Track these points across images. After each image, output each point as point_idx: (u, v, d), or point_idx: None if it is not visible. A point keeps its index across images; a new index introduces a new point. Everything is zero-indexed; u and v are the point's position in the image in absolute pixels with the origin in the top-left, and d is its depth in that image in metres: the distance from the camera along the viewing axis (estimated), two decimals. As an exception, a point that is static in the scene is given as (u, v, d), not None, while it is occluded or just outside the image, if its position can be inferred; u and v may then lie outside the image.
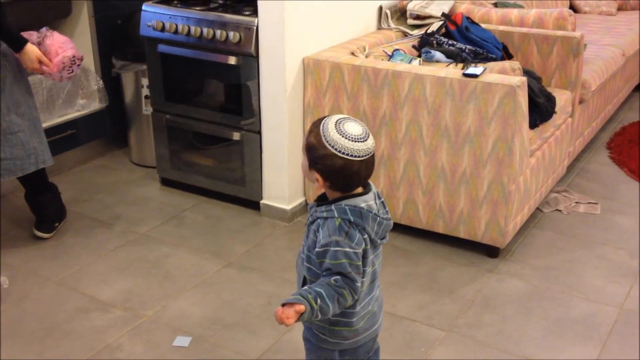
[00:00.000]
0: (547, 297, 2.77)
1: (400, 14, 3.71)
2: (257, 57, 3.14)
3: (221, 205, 3.50)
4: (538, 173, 3.15)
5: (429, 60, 3.17)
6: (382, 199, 1.73)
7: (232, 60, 3.20)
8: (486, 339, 2.53)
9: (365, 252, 1.67)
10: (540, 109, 3.12)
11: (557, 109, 3.25)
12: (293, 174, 3.30)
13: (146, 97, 3.73)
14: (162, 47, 3.40)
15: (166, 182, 3.71)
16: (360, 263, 1.66)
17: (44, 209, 3.17)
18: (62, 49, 2.89)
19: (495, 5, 4.02)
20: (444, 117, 2.89)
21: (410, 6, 3.64)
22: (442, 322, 2.62)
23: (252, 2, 3.12)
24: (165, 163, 3.64)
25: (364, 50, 3.25)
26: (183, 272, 2.94)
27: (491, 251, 3.03)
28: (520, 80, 2.78)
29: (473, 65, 3.04)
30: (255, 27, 3.10)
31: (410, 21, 3.66)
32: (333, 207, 1.65)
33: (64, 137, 3.67)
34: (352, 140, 1.61)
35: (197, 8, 3.28)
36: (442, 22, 3.48)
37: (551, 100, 3.22)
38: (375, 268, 1.77)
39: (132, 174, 3.88)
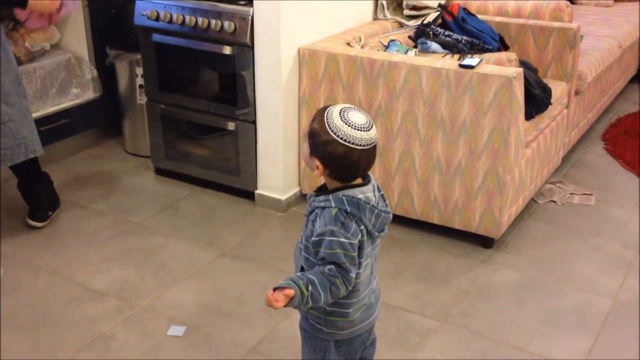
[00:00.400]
0: (541, 288, 2.78)
1: (397, 4, 3.70)
2: (252, 47, 3.13)
3: (216, 195, 3.50)
4: (533, 164, 3.15)
5: (425, 51, 3.16)
6: (382, 192, 1.73)
7: (227, 50, 3.19)
8: (480, 329, 2.53)
9: (361, 243, 1.67)
10: (536, 100, 3.12)
11: (552, 100, 3.25)
12: (288, 164, 3.30)
13: (140, 86, 3.72)
14: (156, 37, 3.38)
15: (160, 172, 3.70)
16: (356, 254, 1.65)
17: (37, 198, 3.16)
18: None
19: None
20: (439, 108, 2.88)
21: (406, -4, 3.63)
22: (436, 313, 2.62)
23: (248, -9, 3.11)
24: (159, 153, 3.63)
25: (360, 41, 3.24)
26: (177, 262, 2.93)
27: (486, 242, 3.04)
28: (516, 71, 2.78)
29: (469, 56, 3.03)
30: (250, 17, 3.08)
31: (406, 12, 3.65)
32: (331, 197, 1.65)
33: (57, 127, 3.65)
34: (355, 129, 1.61)
35: (192, -3, 3.27)
36: (438, 13, 3.47)
37: (547, 91, 3.22)
38: (372, 261, 1.77)
39: (126, 163, 3.87)
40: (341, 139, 1.60)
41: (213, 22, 3.15)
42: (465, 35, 3.33)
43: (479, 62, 2.84)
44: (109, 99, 3.89)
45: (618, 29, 4.38)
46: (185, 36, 3.29)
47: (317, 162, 1.65)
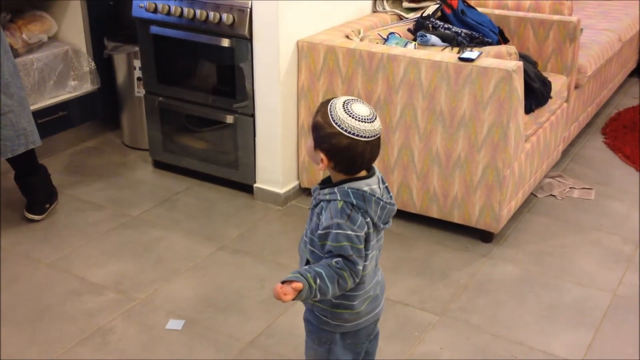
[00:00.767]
0: (540, 282, 2.77)
1: (396, -4, 3.69)
2: (250, 39, 3.11)
3: (214, 188, 3.48)
4: (533, 158, 3.14)
5: (425, 44, 3.14)
6: (386, 184, 1.73)
7: (225, 42, 3.17)
8: (479, 324, 2.53)
9: (368, 235, 1.67)
10: (536, 93, 3.10)
11: (552, 93, 3.24)
12: (287, 157, 3.28)
13: (138, 79, 3.70)
14: (154, 29, 3.36)
15: (159, 165, 3.69)
16: (362, 246, 1.65)
17: (34, 190, 3.15)
18: None
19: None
20: (439, 101, 2.87)
21: (405, -11, 3.61)
22: (435, 307, 2.62)
23: (246, -17, 3.09)
24: (157, 146, 3.62)
25: (359, 34, 3.23)
26: (176, 255, 2.92)
27: (485, 236, 3.03)
28: (516, 64, 2.76)
29: (469, 49, 3.02)
30: (249, 9, 3.07)
31: (405, 4, 3.64)
32: (336, 189, 1.65)
33: (55, 119, 3.64)
34: (359, 121, 1.61)
35: (191, -11, 3.25)
36: (437, 6, 3.45)
37: (547, 85, 3.21)
38: (377, 253, 1.77)
39: (124, 156, 3.85)
40: (345, 131, 1.60)
41: (211, 14, 3.14)
42: (465, 28, 3.32)
43: (479, 55, 2.83)
44: (106, 91, 3.87)
45: (618, 22, 4.36)
46: (183, 28, 3.27)
47: (322, 155, 1.65)
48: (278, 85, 3.12)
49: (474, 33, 3.27)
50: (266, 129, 3.24)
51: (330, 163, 1.65)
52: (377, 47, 2.99)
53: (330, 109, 1.63)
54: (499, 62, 2.79)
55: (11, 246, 2.98)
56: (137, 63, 3.66)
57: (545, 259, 2.93)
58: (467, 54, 2.84)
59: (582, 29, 3.70)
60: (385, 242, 2.99)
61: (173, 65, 3.45)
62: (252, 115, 3.26)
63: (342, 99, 1.65)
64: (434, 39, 3.14)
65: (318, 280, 1.60)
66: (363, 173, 1.69)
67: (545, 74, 3.31)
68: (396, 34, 3.21)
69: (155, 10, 3.29)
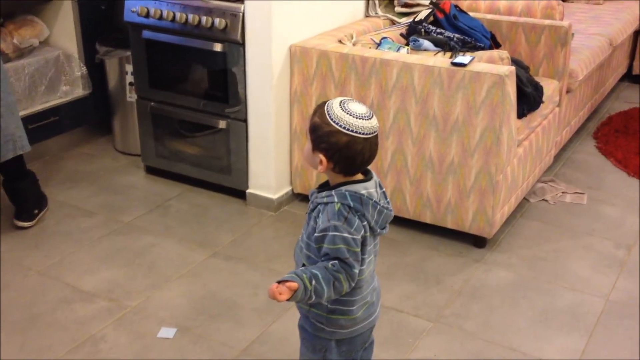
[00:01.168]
0: (533, 288, 2.77)
1: (388, 1, 3.68)
2: (243, 44, 3.10)
3: (207, 194, 3.47)
4: (525, 163, 3.15)
5: (417, 48, 3.14)
6: (384, 189, 1.73)
7: (217, 47, 3.16)
8: (473, 329, 2.52)
9: (364, 239, 1.67)
10: (528, 98, 3.11)
11: (544, 98, 3.24)
12: (280, 162, 3.27)
13: (130, 83, 3.68)
14: (146, 33, 3.35)
15: (151, 171, 3.67)
16: (359, 250, 1.65)
17: (23, 197, 3.12)
18: None
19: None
20: (432, 106, 2.87)
21: (398, -6, 3.61)
22: (429, 313, 2.61)
23: (239, -12, 3.08)
24: (150, 151, 3.60)
25: (352, 38, 3.22)
26: (168, 262, 2.91)
27: (478, 241, 3.03)
28: (508, 69, 2.77)
29: (461, 54, 3.02)
30: (241, 14, 3.06)
31: (398, 9, 3.64)
32: (333, 192, 1.65)
33: (46, 124, 3.61)
34: (357, 118, 1.62)
35: (183, -6, 3.23)
36: (430, 10, 3.46)
37: (539, 89, 3.21)
38: (373, 258, 1.77)
39: (116, 162, 3.83)
40: (344, 128, 1.61)
41: (204, 18, 3.13)
42: (457, 32, 3.32)
43: (471, 60, 2.83)
44: (98, 96, 3.85)
45: (609, 27, 4.38)
46: (175, 33, 3.26)
47: (321, 156, 1.65)
48: (271, 90, 3.11)
49: (466, 38, 3.27)
50: (259, 134, 3.23)
51: (330, 164, 1.65)
52: (369, 52, 2.99)
53: (327, 108, 1.63)
54: (491, 66, 2.79)
55: (2, 253, 2.95)
56: (129, 68, 3.65)
57: (539, 264, 2.92)
58: (459, 58, 2.84)
59: (573, 34, 3.71)
60: (379, 248, 2.99)
61: (165, 70, 3.44)
62: (245, 120, 3.25)
63: (339, 99, 1.66)
64: (426, 43, 3.14)
65: (314, 282, 1.60)
66: (360, 176, 1.69)
67: (537, 79, 3.32)
68: (389, 39, 3.21)
69: (148, 15, 3.28)
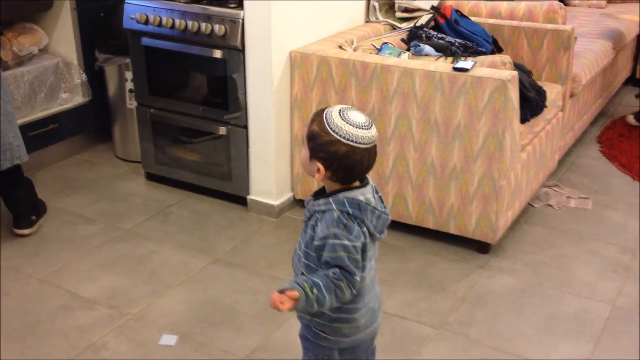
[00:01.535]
0: (538, 294, 2.74)
1: (389, 6, 3.67)
2: (243, 50, 3.09)
3: (207, 200, 3.45)
4: (529, 168, 3.12)
5: (418, 53, 3.12)
6: (380, 194, 1.71)
7: (217, 53, 3.14)
8: (477, 336, 2.49)
9: (365, 246, 1.64)
10: (531, 103, 3.08)
11: (547, 103, 3.22)
12: (280, 169, 3.25)
13: (130, 90, 3.67)
14: (145, 40, 3.33)
15: (151, 177, 3.65)
16: (359, 257, 1.63)
17: (20, 204, 3.10)
18: None
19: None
20: (433, 111, 2.85)
21: (399, -2, 3.59)
22: (432, 320, 2.58)
23: (239, -7, 3.06)
24: (150, 158, 3.58)
25: (352, 44, 3.20)
26: (169, 269, 2.88)
27: (482, 247, 3.00)
28: (510, 74, 2.74)
29: (463, 59, 3.00)
30: (241, 20, 3.04)
31: (398, 14, 3.62)
32: (331, 199, 1.63)
33: (46, 132, 3.60)
34: (357, 127, 1.59)
35: (182, 0, 3.21)
36: (431, 15, 3.44)
37: (542, 94, 3.19)
38: (374, 264, 1.74)
39: (116, 168, 3.82)
40: (344, 138, 1.58)
41: (203, 25, 3.11)
42: (459, 37, 3.30)
43: (473, 65, 2.81)
44: (98, 103, 3.84)
45: (612, 30, 4.35)
46: (175, 40, 3.24)
47: (319, 165, 1.62)
48: (271, 96, 3.09)
49: (468, 42, 3.25)
50: (259, 140, 3.21)
51: (327, 172, 1.63)
52: (370, 57, 2.97)
53: (326, 117, 1.61)
54: (493, 71, 2.77)
55: (1, 261, 2.93)
56: (128, 75, 3.63)
57: (543, 270, 2.90)
58: (461, 63, 2.82)
59: (576, 38, 3.69)
60: (381, 254, 2.96)
61: (165, 77, 3.42)
62: (245, 127, 3.23)
63: (338, 107, 1.63)
64: (427, 48, 3.12)
65: (315, 290, 1.58)
66: (356, 183, 1.67)
67: (540, 83, 3.30)
68: (389, 44, 3.19)
69: (147, 22, 3.27)
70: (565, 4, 4.92)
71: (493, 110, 2.74)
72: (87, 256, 2.98)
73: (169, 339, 2.46)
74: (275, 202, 3.27)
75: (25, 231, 3.10)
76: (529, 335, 2.50)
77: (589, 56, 3.84)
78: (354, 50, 3.14)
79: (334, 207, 1.61)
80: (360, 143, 1.59)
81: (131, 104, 3.69)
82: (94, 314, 2.60)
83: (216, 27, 3.08)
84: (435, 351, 2.42)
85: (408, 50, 3.19)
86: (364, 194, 1.64)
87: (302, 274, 1.71)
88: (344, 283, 1.61)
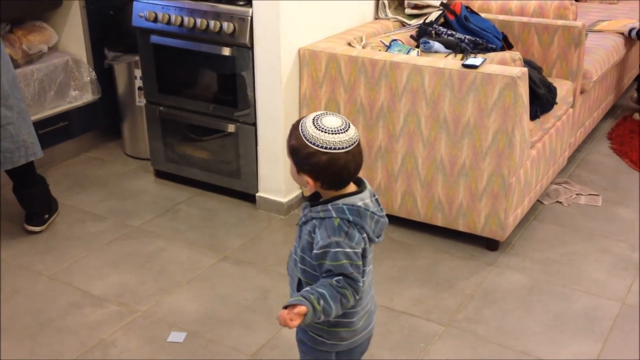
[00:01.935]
0: (547, 291, 2.73)
1: (398, 3, 3.66)
2: (251, 48, 3.09)
3: (216, 198, 3.45)
4: (539, 165, 3.11)
5: (428, 50, 3.11)
6: (377, 197, 1.69)
7: (226, 51, 3.14)
8: (486, 334, 2.49)
9: (364, 251, 1.63)
10: (541, 99, 3.07)
11: (558, 99, 3.20)
12: (289, 166, 3.24)
13: (139, 88, 3.68)
14: (154, 38, 3.34)
15: (160, 175, 3.66)
16: (361, 263, 1.62)
17: (33, 202, 3.12)
18: None
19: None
20: (442, 108, 2.84)
21: (408, -5, 3.58)
22: (441, 317, 2.58)
23: (247, -9, 3.06)
24: (159, 155, 3.59)
25: (361, 41, 3.20)
26: (178, 266, 2.89)
27: (491, 244, 2.99)
28: (520, 71, 2.73)
29: (472, 55, 2.99)
30: (249, 18, 3.04)
31: (408, 11, 3.61)
32: (330, 206, 1.61)
33: (56, 130, 3.62)
34: (332, 133, 1.57)
35: (191, -3, 3.22)
36: (440, 12, 3.43)
37: (552, 90, 3.17)
38: (371, 266, 1.74)
39: (125, 166, 3.83)
40: (321, 147, 1.56)
41: (212, 23, 3.11)
42: (468, 34, 3.29)
43: (483, 62, 2.79)
44: (107, 101, 3.85)
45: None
46: (183, 37, 3.25)
47: (307, 177, 1.61)
48: (280, 93, 3.09)
49: (478, 39, 3.24)
50: (268, 138, 3.21)
51: (317, 183, 1.61)
52: (379, 55, 2.96)
53: (301, 129, 1.59)
54: (503, 68, 2.76)
55: (12, 258, 2.95)
56: (137, 72, 3.64)
57: (553, 267, 2.88)
58: (470, 60, 2.81)
59: (587, 33, 3.66)
60: (390, 251, 2.98)
61: (174, 75, 3.43)
62: (254, 124, 3.23)
63: (311, 116, 1.61)
64: (437, 45, 3.11)
65: (322, 302, 1.56)
66: (354, 188, 1.65)
67: (550, 80, 3.28)
68: (399, 41, 3.18)
69: (156, 20, 3.27)
70: (577, 0, 4.89)
71: (503, 107, 2.73)
72: (96, 253, 2.99)
73: (177, 336, 2.47)
74: (284, 199, 3.27)
75: (36, 228, 3.12)
76: (538, 332, 2.49)
77: (600, 52, 3.82)
78: (363, 47, 3.13)
79: (334, 214, 1.60)
80: (339, 149, 1.56)
81: (140, 101, 3.70)
82: (103, 312, 2.61)
83: (225, 24, 3.08)
84: (443, 349, 2.42)
85: (417, 47, 3.18)
86: (362, 199, 1.62)
87: (300, 279, 1.70)
88: (349, 291, 1.59)
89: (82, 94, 3.75)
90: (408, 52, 3.06)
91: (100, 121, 3.90)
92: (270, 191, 3.30)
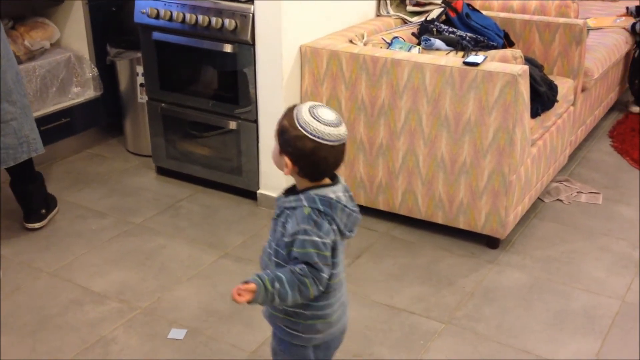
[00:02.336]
0: (547, 289, 2.73)
1: (400, 0, 3.65)
2: (253, 44, 3.09)
3: (218, 195, 3.46)
4: (539, 162, 3.11)
5: (429, 48, 3.11)
6: (351, 193, 1.72)
7: (227, 48, 3.15)
8: (486, 332, 2.49)
9: (335, 243, 1.66)
10: (542, 97, 3.07)
11: (559, 97, 3.20)
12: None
13: (141, 85, 3.68)
14: (156, 35, 3.34)
15: (162, 171, 3.66)
16: (329, 254, 1.64)
17: (30, 198, 3.12)
18: None
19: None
20: (443, 106, 2.84)
21: (409, -8, 3.58)
22: (441, 315, 2.58)
23: (249, -12, 3.06)
24: (160, 152, 3.60)
25: (362, 38, 3.20)
26: (178, 264, 2.90)
27: (491, 242, 2.99)
28: (521, 68, 2.73)
29: (474, 53, 2.99)
30: (251, 15, 3.04)
31: (409, 8, 3.61)
32: (302, 196, 1.64)
33: (58, 126, 3.62)
34: (325, 124, 1.60)
35: (193, -6, 3.22)
36: (442, 9, 3.42)
37: (553, 88, 3.17)
38: (344, 259, 1.77)
39: (127, 163, 3.83)
40: (310, 134, 1.59)
41: (214, 19, 3.11)
42: (470, 31, 3.29)
43: (484, 60, 2.79)
44: (109, 98, 3.86)
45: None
46: (185, 34, 3.25)
47: (287, 159, 1.64)
48: (281, 90, 3.09)
49: (479, 37, 3.24)
50: (269, 135, 3.20)
51: (295, 167, 1.64)
52: (380, 52, 2.96)
53: (296, 112, 1.62)
54: (504, 66, 2.76)
55: (13, 255, 2.95)
56: (139, 69, 3.65)
57: (553, 265, 2.89)
58: (471, 58, 2.81)
59: (588, 31, 3.66)
60: (390, 249, 2.99)
61: (175, 72, 3.43)
62: (255, 121, 3.23)
63: (309, 103, 1.65)
64: (438, 43, 3.11)
65: (277, 284, 1.60)
66: (327, 181, 1.68)
67: (551, 77, 3.28)
68: (400, 38, 3.18)
69: (158, 16, 3.27)
70: (578, -2, 4.89)
71: (503, 105, 2.73)
72: (97, 250, 3.00)
73: (177, 333, 2.48)
74: (285, 196, 3.27)
75: (36, 225, 3.12)
76: (538, 330, 2.50)
77: (601, 50, 3.82)
78: (365, 44, 3.13)
79: (305, 203, 1.63)
80: (327, 140, 1.60)
81: (142, 98, 3.70)
82: (104, 308, 2.61)
83: (227, 21, 3.08)
84: (443, 346, 2.42)
85: (419, 44, 3.18)
86: (335, 192, 1.65)
87: None
88: (309, 280, 1.62)
89: (84, 90, 3.75)
90: (409, 49, 3.07)
91: (102, 118, 3.91)
92: (271, 188, 3.30)
